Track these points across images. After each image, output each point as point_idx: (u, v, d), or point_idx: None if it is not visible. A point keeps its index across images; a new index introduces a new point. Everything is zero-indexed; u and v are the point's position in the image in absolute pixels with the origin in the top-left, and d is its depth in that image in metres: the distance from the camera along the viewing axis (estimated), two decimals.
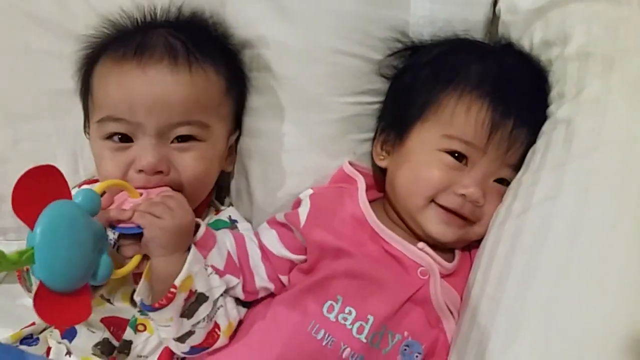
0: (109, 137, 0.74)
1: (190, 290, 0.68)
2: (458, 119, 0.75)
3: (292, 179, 0.86)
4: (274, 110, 0.85)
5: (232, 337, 0.75)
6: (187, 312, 0.69)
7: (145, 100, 0.72)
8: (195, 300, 0.69)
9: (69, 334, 0.76)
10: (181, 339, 0.70)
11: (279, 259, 0.78)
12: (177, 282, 0.66)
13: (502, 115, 0.74)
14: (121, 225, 0.67)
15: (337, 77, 0.84)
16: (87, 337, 0.75)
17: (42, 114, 0.89)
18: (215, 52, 0.80)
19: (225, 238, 0.76)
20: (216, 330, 0.73)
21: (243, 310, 0.78)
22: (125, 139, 0.74)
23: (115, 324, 0.76)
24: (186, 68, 0.74)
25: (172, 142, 0.74)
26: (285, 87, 0.84)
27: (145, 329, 0.77)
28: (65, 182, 0.59)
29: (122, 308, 0.75)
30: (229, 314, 0.74)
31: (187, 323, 0.69)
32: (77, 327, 0.74)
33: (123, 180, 0.72)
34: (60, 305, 0.57)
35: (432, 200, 0.76)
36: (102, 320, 0.76)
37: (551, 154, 0.69)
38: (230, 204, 0.89)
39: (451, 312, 0.75)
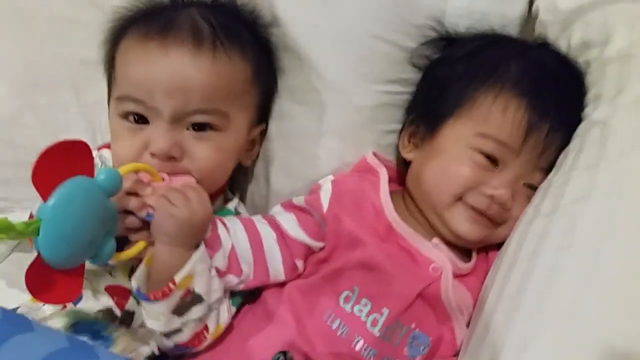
0: (126, 116, 0.72)
1: (188, 289, 0.66)
2: (494, 117, 0.73)
3: (312, 165, 0.84)
4: (297, 92, 0.83)
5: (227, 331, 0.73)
6: (180, 309, 0.66)
7: (163, 83, 0.69)
8: (191, 300, 0.67)
9: None
10: (167, 335, 0.68)
11: (296, 242, 0.76)
12: (177, 278, 0.64)
13: (539, 117, 0.72)
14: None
15: (367, 63, 0.81)
16: (92, 303, 0.73)
17: (63, 83, 0.88)
18: (246, 38, 0.77)
19: (235, 226, 0.74)
20: (205, 332, 0.70)
21: (233, 309, 0.75)
22: (142, 119, 0.71)
23: (118, 294, 0.74)
24: (210, 53, 0.71)
25: (188, 128, 0.72)
26: (311, 69, 0.82)
27: None
28: (92, 160, 0.58)
29: (124, 280, 0.73)
30: (220, 317, 0.72)
31: (177, 320, 0.67)
32: (83, 291, 0.71)
33: (137, 162, 0.70)
34: (51, 282, 0.56)
35: (459, 199, 0.74)
36: (105, 289, 0.73)
37: (584, 155, 0.67)
38: (239, 197, 0.87)
39: (461, 313, 0.73)
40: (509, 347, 0.60)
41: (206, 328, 0.70)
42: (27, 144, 0.85)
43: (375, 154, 0.83)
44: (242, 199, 0.88)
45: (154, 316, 0.66)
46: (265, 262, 0.74)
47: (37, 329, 0.36)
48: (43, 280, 0.55)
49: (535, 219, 0.68)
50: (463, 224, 0.74)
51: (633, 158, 0.62)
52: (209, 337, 0.70)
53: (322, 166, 0.83)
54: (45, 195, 0.53)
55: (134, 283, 0.66)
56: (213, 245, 0.69)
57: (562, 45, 0.78)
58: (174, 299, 0.64)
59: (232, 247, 0.71)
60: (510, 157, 0.73)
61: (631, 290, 0.56)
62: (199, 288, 0.66)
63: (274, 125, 0.85)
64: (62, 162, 0.54)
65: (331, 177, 0.80)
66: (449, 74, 0.79)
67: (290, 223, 0.77)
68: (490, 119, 0.74)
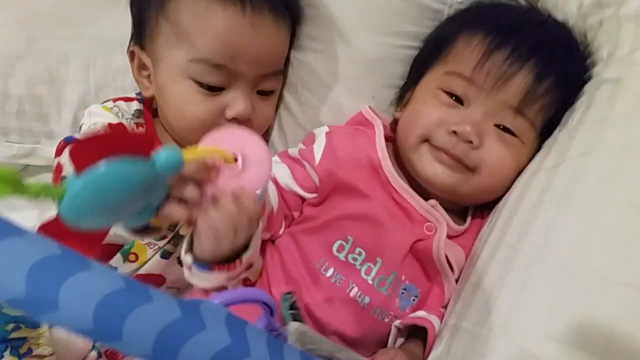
0: (200, 82, 0.70)
1: (250, 264, 0.63)
2: (463, 55, 0.71)
3: (308, 112, 0.83)
4: (299, 39, 0.81)
5: None
6: (237, 276, 0.64)
7: (250, 50, 0.70)
8: (247, 268, 0.64)
9: None
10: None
11: (289, 194, 0.75)
12: (244, 257, 0.61)
13: (497, 46, 0.68)
14: None
15: (370, 13, 0.80)
16: None
17: (62, 18, 0.86)
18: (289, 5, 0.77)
19: (269, 190, 0.72)
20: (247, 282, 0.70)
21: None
22: (215, 88, 0.71)
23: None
24: (280, 20, 0.73)
25: (258, 92, 0.75)
26: (314, 17, 0.80)
27: (136, 260, 0.73)
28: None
29: (118, 235, 0.64)
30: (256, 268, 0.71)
31: (227, 282, 0.64)
32: None
33: (211, 123, 0.70)
34: (70, 237, 0.46)
35: (426, 140, 0.71)
36: None
37: (592, 111, 0.65)
38: None
39: (452, 270, 0.71)
40: (507, 292, 0.59)
41: (248, 279, 0.70)
42: (20, 75, 0.85)
43: (371, 108, 0.80)
44: None
45: (205, 278, 0.62)
46: (281, 217, 0.74)
47: (94, 268, 0.32)
48: (60, 232, 0.46)
49: (538, 172, 0.66)
50: (429, 165, 0.70)
51: None
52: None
53: (317, 114, 0.83)
54: (78, 170, 0.45)
55: (189, 258, 0.60)
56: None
57: (573, 5, 0.76)
58: (237, 270, 0.62)
59: (271, 210, 0.70)
60: (478, 95, 0.69)
61: (630, 241, 0.54)
62: (255, 259, 0.65)
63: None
64: (114, 148, 0.46)
65: (326, 129, 0.78)
66: (444, 32, 0.77)
67: (283, 175, 0.75)
68: (459, 57, 0.71)
